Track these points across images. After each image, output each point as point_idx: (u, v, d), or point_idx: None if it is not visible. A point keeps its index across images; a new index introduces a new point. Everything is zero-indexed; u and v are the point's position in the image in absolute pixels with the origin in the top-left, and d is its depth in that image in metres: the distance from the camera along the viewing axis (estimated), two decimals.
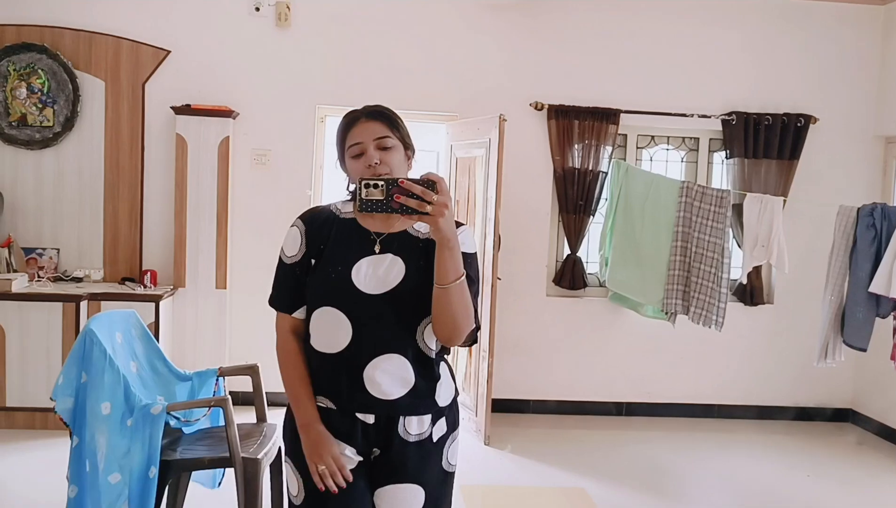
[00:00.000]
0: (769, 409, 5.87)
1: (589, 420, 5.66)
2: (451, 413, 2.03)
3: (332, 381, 1.93)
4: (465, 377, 5.25)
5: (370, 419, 1.92)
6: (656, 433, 5.45)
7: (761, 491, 4.50)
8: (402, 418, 1.93)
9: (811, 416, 5.89)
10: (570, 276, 5.62)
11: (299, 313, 1.99)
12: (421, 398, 1.94)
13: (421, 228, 1.95)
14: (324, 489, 1.89)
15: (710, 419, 5.80)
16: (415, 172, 1.94)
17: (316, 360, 1.95)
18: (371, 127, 1.93)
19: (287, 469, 2.02)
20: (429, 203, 1.67)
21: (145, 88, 5.25)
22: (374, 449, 1.96)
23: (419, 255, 1.92)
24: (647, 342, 5.73)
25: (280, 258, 2.01)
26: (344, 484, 1.90)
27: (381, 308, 1.88)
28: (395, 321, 1.89)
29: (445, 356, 2.06)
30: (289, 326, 2.01)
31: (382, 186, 1.69)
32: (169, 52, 5.26)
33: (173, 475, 3.19)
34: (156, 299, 4.84)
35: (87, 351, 3.06)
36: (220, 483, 3.54)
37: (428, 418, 1.96)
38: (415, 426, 1.94)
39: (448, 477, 2.04)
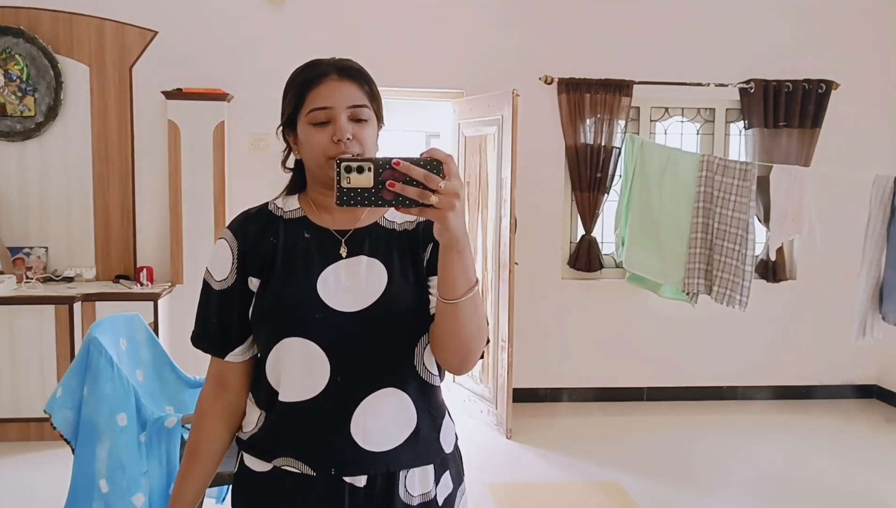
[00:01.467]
0: (793, 389, 5.69)
1: (610, 407, 5.44)
2: (454, 464, 1.59)
3: (306, 438, 1.45)
4: (482, 368, 5.01)
5: (361, 481, 1.45)
6: (681, 418, 5.25)
7: (793, 473, 4.34)
8: (402, 474, 1.48)
9: (836, 394, 5.70)
10: (585, 257, 5.39)
11: (233, 356, 1.52)
12: (424, 444, 1.50)
13: (395, 216, 1.52)
14: None
15: (733, 402, 5.61)
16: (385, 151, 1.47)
17: (279, 414, 1.47)
18: (345, 89, 1.46)
19: None
20: (433, 191, 1.23)
21: (132, 72, 4.92)
22: None
23: (401, 251, 1.49)
24: (668, 324, 5.51)
25: (205, 281, 1.53)
26: None
27: (364, 329, 1.43)
28: (386, 345, 1.45)
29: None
30: (215, 374, 1.55)
31: (370, 169, 1.24)
32: (156, 32, 4.92)
33: None
34: (154, 298, 4.54)
35: (93, 361, 2.79)
36: (223, 499, 3.25)
37: (431, 470, 1.51)
38: (417, 485, 1.49)
39: None
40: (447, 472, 1.55)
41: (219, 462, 1.57)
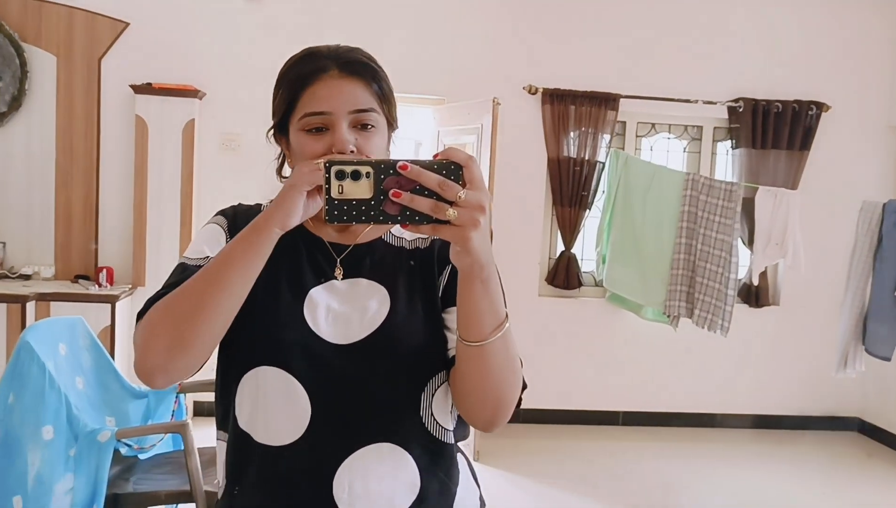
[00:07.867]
0: (773, 418, 5.53)
1: (585, 431, 5.27)
2: None
3: (278, 493, 1.18)
4: None
5: None
6: (657, 444, 5.09)
7: (769, 506, 4.18)
8: None
9: (817, 426, 5.54)
10: (564, 274, 5.22)
11: None
12: None
13: (404, 231, 1.26)
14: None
15: (712, 429, 5.44)
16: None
17: (249, 457, 1.21)
18: (347, 90, 1.19)
19: None
20: (450, 203, 0.94)
21: (101, 63, 4.74)
22: None
23: (409, 275, 1.23)
24: (647, 347, 5.35)
25: (183, 262, 1.22)
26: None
27: (355, 366, 1.16)
28: (382, 388, 1.18)
29: (462, 440, 1.32)
30: None
31: (368, 175, 0.95)
32: (128, 24, 4.74)
33: None
34: (112, 300, 4.35)
35: (24, 368, 2.62)
36: None
37: None
38: None
39: None
40: None
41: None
